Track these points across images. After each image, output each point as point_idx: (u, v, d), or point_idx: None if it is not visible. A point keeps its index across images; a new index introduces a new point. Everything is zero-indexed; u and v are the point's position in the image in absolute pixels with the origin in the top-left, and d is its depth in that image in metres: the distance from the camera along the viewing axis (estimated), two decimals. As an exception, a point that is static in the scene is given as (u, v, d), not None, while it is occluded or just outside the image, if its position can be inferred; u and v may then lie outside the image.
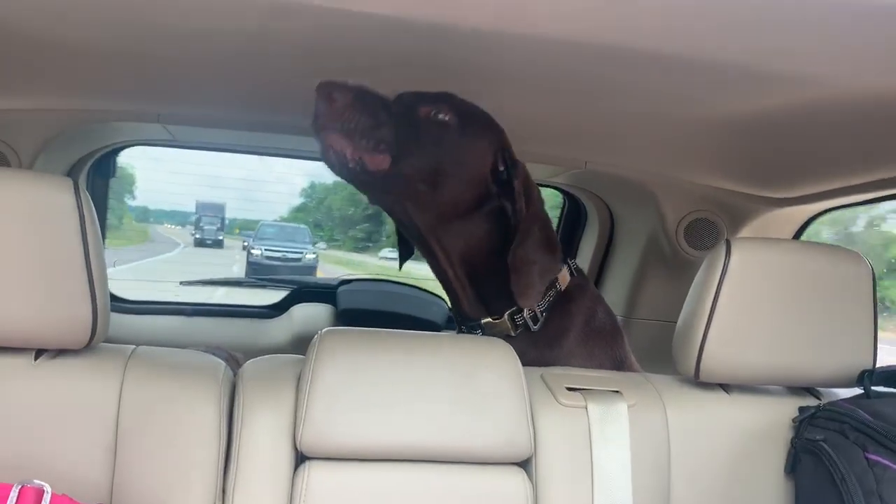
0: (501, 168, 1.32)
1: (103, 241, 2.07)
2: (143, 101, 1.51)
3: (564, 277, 1.42)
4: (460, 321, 1.43)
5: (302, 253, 13.36)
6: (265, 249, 12.90)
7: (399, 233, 1.51)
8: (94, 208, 1.01)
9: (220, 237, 17.74)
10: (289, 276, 3.01)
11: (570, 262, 1.45)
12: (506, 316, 1.35)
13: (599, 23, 0.95)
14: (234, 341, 2.09)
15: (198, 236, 17.42)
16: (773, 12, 0.87)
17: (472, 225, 1.32)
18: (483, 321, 1.37)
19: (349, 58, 1.15)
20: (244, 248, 14.87)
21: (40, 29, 1.11)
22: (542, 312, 1.37)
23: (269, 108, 1.58)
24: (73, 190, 0.98)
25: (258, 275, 6.24)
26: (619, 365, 1.43)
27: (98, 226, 1.01)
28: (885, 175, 1.49)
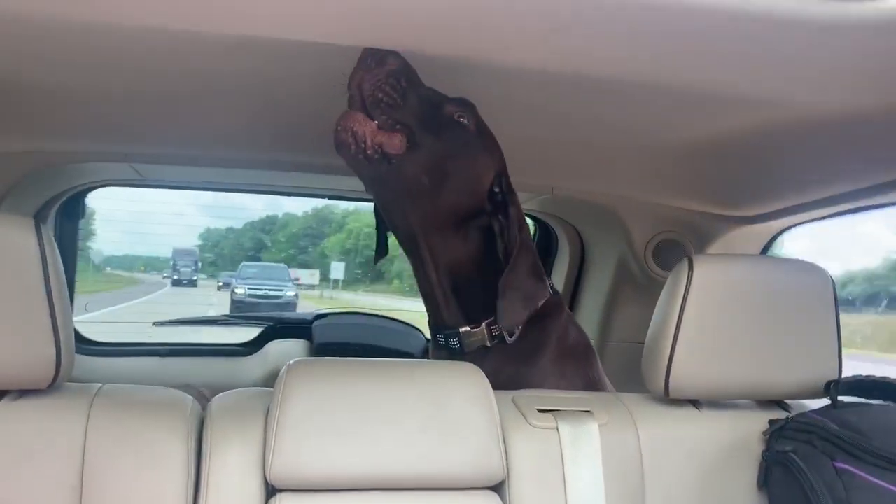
0: (497, 190, 1.34)
1: (73, 285, 2.07)
2: (109, 141, 1.50)
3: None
4: (437, 330, 1.43)
5: (282, 290, 14.08)
6: (248, 288, 13.73)
7: (378, 231, 1.55)
8: (56, 248, 1.01)
9: (195, 278, 19.35)
10: (264, 313, 2.99)
11: (546, 280, 1.47)
12: (483, 325, 1.36)
13: (564, 51, 0.98)
14: (209, 381, 2.06)
15: (175, 277, 18.47)
16: (732, 38, 0.90)
17: (462, 236, 1.34)
18: (461, 330, 1.38)
19: (316, 88, 1.16)
20: (219, 287, 15.70)
21: None
22: (518, 325, 1.38)
23: (237, 145, 1.58)
24: (35, 230, 0.97)
25: (241, 313, 6.39)
26: (593, 385, 1.44)
27: (61, 265, 1.01)
28: (844, 189, 1.52)
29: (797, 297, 1.22)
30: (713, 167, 1.54)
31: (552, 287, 1.49)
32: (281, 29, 0.95)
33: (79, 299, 2.40)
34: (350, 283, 17.51)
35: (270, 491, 1.02)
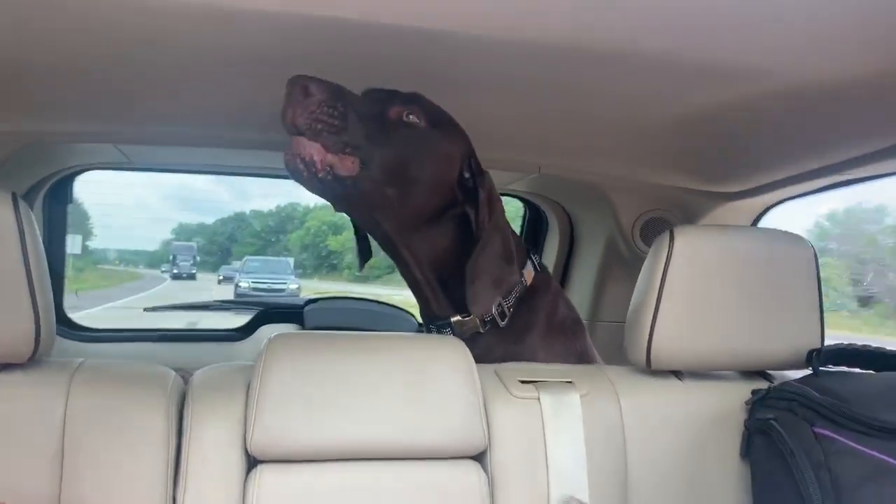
0: (467, 175, 1.33)
1: (62, 269, 2.07)
2: (92, 121, 1.49)
3: (529, 273, 1.44)
4: (429, 321, 1.43)
5: (285, 283, 14.31)
6: (252, 281, 14.35)
7: (357, 235, 1.53)
8: (34, 222, 1.01)
9: (194, 271, 20.26)
10: (256, 299, 3.01)
11: (533, 258, 1.47)
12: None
13: (551, 24, 0.97)
14: (200, 366, 2.06)
15: (175, 271, 19.08)
16: (718, 6, 0.89)
17: (439, 230, 1.33)
18: (453, 319, 1.38)
19: (308, 63, 1.14)
20: (220, 281, 16.43)
21: None
22: (509, 308, 1.38)
23: (227, 124, 1.57)
24: (12, 204, 0.97)
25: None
26: (581, 358, 1.45)
27: (39, 240, 1.01)
28: (830, 161, 1.52)
29: (779, 267, 1.22)
30: (700, 141, 1.53)
31: (540, 264, 1.49)
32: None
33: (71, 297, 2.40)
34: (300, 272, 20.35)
35: (251, 463, 1.02)
